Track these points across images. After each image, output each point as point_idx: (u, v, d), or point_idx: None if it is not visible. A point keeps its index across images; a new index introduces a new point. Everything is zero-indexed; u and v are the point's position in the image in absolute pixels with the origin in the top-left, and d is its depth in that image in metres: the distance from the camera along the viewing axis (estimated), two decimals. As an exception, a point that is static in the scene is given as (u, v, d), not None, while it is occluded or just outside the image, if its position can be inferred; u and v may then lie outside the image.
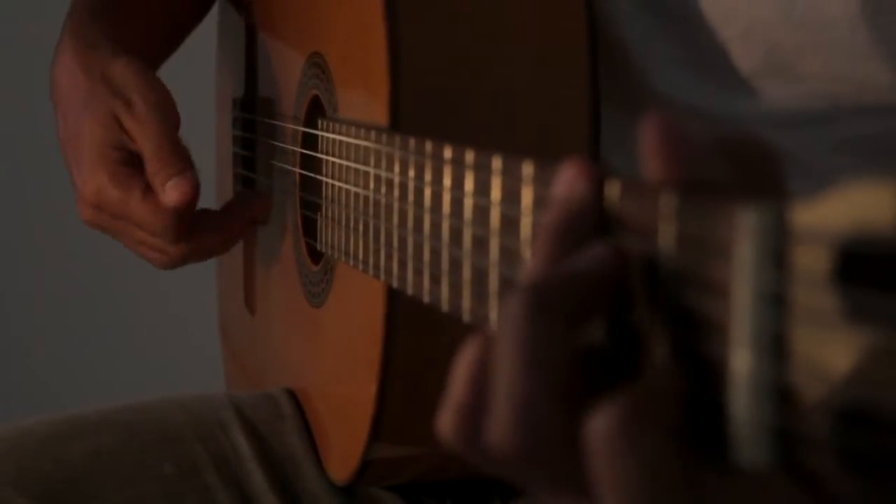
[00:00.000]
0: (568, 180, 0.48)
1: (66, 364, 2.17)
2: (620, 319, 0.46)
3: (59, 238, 2.10)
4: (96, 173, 0.95)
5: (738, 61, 0.81)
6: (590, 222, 0.47)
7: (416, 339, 0.80)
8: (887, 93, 0.79)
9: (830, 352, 0.37)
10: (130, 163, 0.95)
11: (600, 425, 0.42)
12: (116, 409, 0.98)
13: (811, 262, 0.38)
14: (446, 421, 0.48)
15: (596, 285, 0.45)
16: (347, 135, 0.81)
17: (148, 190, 0.94)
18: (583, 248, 0.46)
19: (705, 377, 0.42)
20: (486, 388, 0.46)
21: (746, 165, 0.44)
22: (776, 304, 0.39)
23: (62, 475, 0.91)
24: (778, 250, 0.39)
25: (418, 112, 0.78)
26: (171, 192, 0.92)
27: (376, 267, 0.75)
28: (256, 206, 1.02)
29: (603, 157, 0.84)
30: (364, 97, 0.82)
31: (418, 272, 0.66)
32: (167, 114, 0.95)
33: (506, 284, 0.55)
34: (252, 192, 1.09)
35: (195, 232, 0.96)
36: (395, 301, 0.79)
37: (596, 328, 0.46)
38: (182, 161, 0.94)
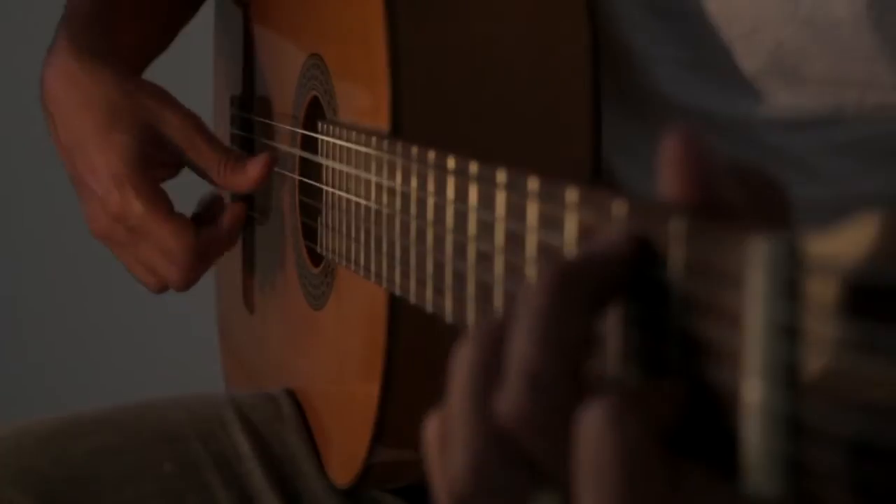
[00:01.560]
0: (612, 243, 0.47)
1: (67, 363, 2.16)
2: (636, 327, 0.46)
3: (59, 238, 2.09)
4: (123, 185, 0.96)
5: (742, 62, 0.81)
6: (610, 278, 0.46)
7: (419, 341, 0.80)
8: (891, 94, 0.79)
9: (843, 384, 0.37)
10: (157, 180, 0.97)
11: (590, 414, 0.42)
12: (116, 408, 0.98)
13: (824, 293, 0.37)
14: (460, 375, 0.47)
15: (615, 269, 0.45)
16: (348, 139, 0.80)
17: (172, 211, 0.96)
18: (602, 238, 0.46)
19: (714, 405, 0.42)
20: (500, 355, 0.46)
21: (755, 193, 0.43)
22: (788, 334, 0.39)
23: (62, 474, 0.91)
24: (790, 281, 0.38)
25: (419, 115, 0.78)
26: (253, 167, 0.96)
27: (378, 275, 0.74)
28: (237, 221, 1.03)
29: (605, 159, 0.84)
30: (364, 100, 0.82)
31: (421, 283, 0.66)
32: (202, 124, 0.99)
33: (511, 300, 0.55)
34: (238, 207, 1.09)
35: (203, 260, 0.98)
36: (398, 304, 0.78)
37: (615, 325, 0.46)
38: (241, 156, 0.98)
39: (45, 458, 0.92)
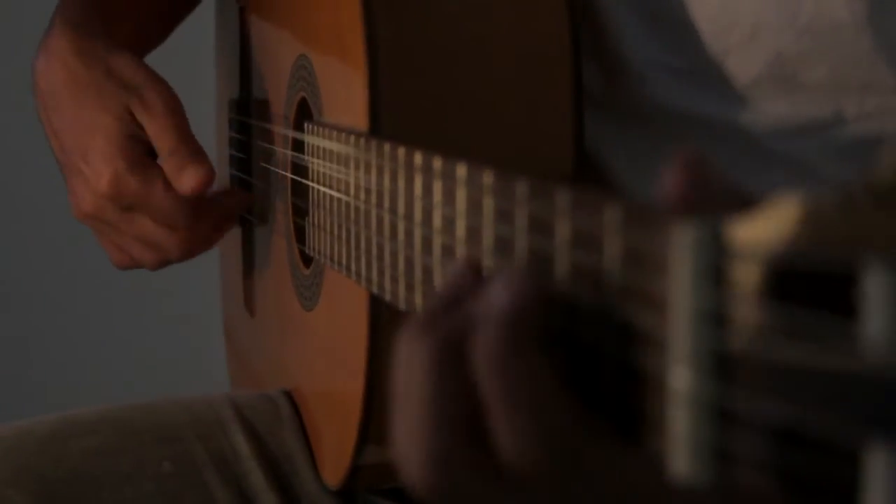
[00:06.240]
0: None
1: (66, 364, 2.17)
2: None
3: (60, 238, 2.10)
4: (113, 163, 0.97)
5: (740, 69, 0.80)
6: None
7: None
8: (890, 96, 0.78)
9: (769, 370, 0.37)
10: (147, 153, 0.98)
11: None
12: (116, 408, 0.98)
13: (747, 278, 0.37)
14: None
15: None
16: (329, 139, 0.81)
17: (167, 180, 0.97)
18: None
19: (644, 392, 0.42)
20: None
21: (701, 182, 0.43)
22: (713, 320, 0.39)
23: (62, 474, 0.91)
24: (715, 266, 0.38)
25: (398, 115, 0.78)
26: (188, 179, 0.96)
27: (358, 273, 0.74)
28: (239, 203, 1.06)
29: (605, 167, 0.84)
30: (345, 100, 0.82)
31: (394, 280, 0.66)
32: (180, 111, 0.98)
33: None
34: (237, 190, 1.11)
35: (201, 221, 0.99)
36: (379, 304, 0.78)
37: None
38: (199, 152, 0.97)
39: (45, 457, 0.92)
